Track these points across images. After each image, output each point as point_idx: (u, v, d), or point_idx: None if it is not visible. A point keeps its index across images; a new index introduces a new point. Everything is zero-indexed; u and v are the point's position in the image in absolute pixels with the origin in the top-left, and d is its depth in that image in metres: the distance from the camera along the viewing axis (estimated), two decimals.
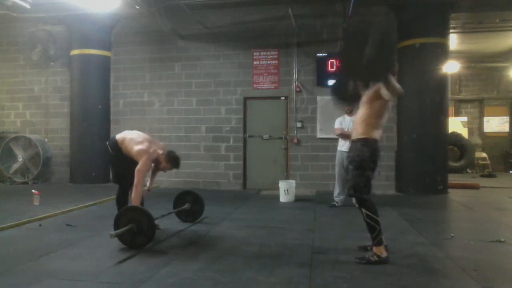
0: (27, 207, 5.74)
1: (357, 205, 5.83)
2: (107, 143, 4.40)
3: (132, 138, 4.22)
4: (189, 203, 4.89)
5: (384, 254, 3.28)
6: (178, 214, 4.91)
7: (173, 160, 4.24)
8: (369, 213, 3.31)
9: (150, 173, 4.48)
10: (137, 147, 4.09)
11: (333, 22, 8.03)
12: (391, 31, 2.95)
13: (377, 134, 3.39)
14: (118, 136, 4.32)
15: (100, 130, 8.76)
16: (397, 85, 3.28)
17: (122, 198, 4.46)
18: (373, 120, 3.38)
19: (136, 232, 3.64)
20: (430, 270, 3.15)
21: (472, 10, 7.98)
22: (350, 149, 3.55)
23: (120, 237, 3.65)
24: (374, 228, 3.29)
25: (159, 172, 4.51)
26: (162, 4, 7.54)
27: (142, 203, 4.42)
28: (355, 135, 3.47)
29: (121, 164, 4.29)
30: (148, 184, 4.54)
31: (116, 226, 3.66)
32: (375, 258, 3.25)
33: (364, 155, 3.32)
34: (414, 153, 7.46)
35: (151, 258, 3.47)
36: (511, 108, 12.81)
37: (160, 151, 4.23)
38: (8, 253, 3.56)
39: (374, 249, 3.30)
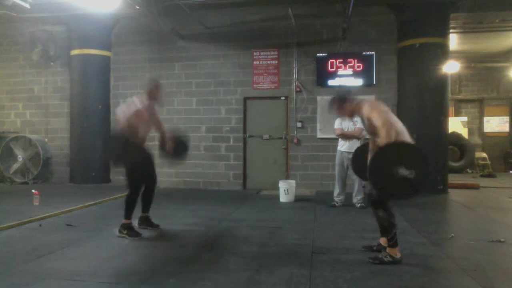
0: (27, 207, 5.74)
1: (358, 206, 5.89)
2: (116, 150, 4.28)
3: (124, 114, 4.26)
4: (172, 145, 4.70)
5: (398, 255, 3.28)
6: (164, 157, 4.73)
7: (150, 88, 4.40)
8: (386, 215, 3.29)
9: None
10: (128, 112, 4.19)
11: (333, 22, 8.03)
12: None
13: (402, 137, 3.28)
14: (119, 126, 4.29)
15: (100, 130, 8.74)
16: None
17: (145, 195, 4.51)
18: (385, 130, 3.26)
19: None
20: (430, 270, 3.15)
21: (472, 10, 7.97)
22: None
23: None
24: (390, 230, 3.29)
25: (163, 131, 4.54)
26: (162, 4, 7.54)
27: (151, 200, 4.50)
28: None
29: (138, 159, 4.22)
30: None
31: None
32: (389, 258, 3.25)
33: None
34: None
35: (151, 258, 3.47)
36: (511, 108, 12.80)
37: (139, 105, 4.30)
38: (8, 253, 3.56)
39: (389, 249, 3.30)
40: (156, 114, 4.50)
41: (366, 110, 3.33)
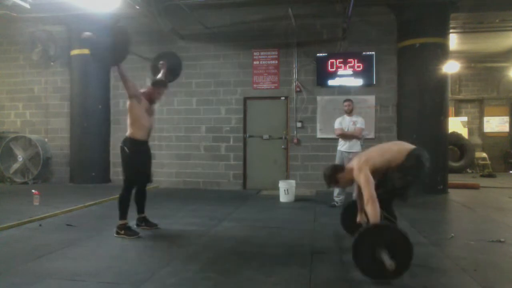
0: (27, 207, 5.74)
1: None
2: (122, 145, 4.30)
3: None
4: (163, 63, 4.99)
5: None
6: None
7: (156, 82, 4.55)
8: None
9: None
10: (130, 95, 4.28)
11: (333, 22, 8.03)
12: None
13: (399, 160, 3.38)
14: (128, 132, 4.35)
15: (100, 130, 8.76)
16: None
17: (137, 197, 4.51)
18: (383, 164, 3.37)
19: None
20: (430, 270, 3.15)
21: (472, 10, 7.98)
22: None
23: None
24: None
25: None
26: (162, 4, 7.54)
27: (144, 200, 4.55)
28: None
29: (139, 159, 4.27)
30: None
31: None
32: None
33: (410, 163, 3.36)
34: None
35: (151, 258, 3.47)
36: (511, 108, 12.80)
37: (142, 90, 4.47)
38: (8, 253, 3.57)
39: None
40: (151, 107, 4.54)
41: (355, 174, 3.36)
